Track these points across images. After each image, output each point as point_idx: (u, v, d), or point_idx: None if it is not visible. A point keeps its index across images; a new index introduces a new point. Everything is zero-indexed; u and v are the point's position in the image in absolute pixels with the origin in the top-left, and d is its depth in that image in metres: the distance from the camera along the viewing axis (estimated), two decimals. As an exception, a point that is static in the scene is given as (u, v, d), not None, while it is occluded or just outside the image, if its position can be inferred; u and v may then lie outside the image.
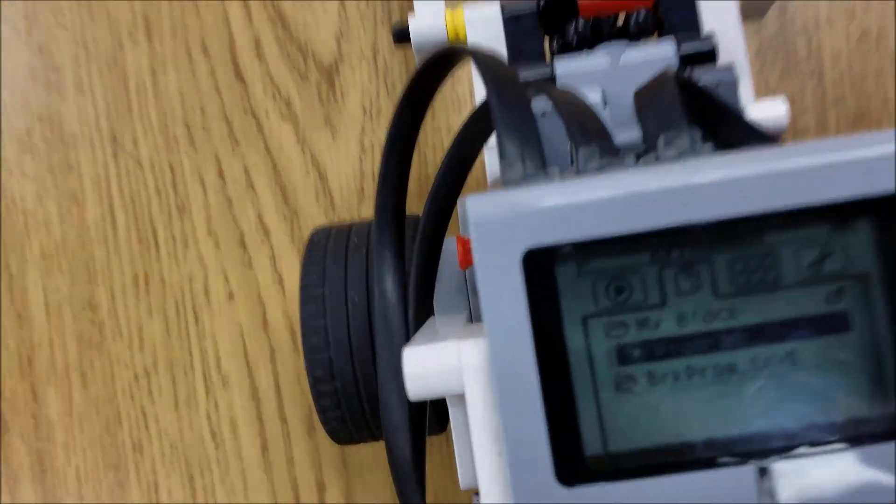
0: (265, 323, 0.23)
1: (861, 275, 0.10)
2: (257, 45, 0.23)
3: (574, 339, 0.10)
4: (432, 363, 0.10)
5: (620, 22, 0.17)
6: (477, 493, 0.20)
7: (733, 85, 0.15)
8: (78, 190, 0.24)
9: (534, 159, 0.10)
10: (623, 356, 0.10)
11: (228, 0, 0.23)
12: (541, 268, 0.10)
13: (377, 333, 0.13)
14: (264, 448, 0.23)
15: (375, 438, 0.18)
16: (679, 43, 0.15)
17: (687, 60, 0.15)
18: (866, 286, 0.10)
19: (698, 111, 0.12)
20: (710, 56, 0.15)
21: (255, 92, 0.24)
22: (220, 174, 0.24)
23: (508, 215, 0.09)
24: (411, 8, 0.18)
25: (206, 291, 0.23)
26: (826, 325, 0.10)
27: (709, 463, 0.10)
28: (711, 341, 0.10)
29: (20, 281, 0.23)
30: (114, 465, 0.23)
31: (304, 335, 0.16)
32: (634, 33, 0.16)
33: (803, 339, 0.10)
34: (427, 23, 0.17)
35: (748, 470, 0.10)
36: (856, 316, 0.10)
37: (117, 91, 0.24)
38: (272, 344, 0.23)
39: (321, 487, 0.23)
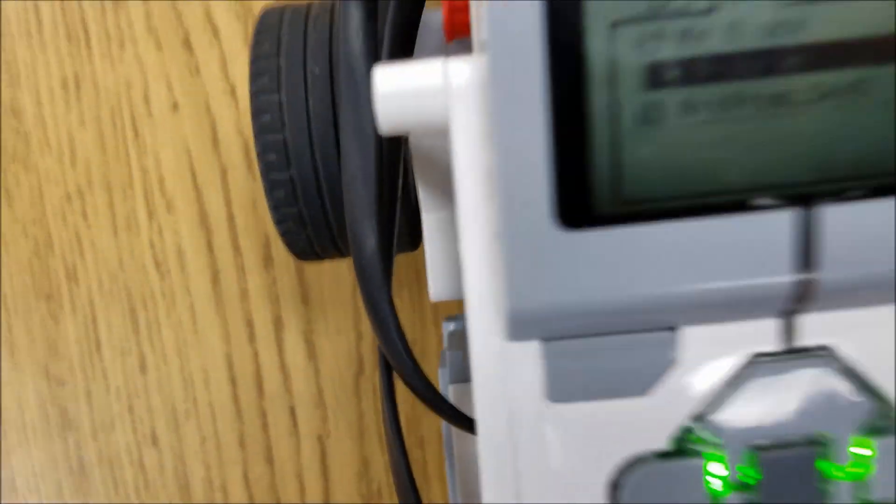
0: (215, 139, 0.21)
1: None
2: None
3: (597, 50, 0.08)
4: (411, 82, 0.08)
5: None
6: (447, 319, 0.18)
7: None
8: (-11, -29, 0.20)
9: None
10: (656, 77, 0.08)
11: None
12: None
13: (340, 86, 0.11)
14: (215, 280, 0.21)
15: (340, 252, 0.17)
16: None
17: None
18: None
19: None
20: None
21: None
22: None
23: None
24: None
25: (147, 100, 0.21)
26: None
27: (739, 206, 0.08)
28: (768, 61, 0.08)
29: (-74, 79, 0.21)
30: (45, 294, 0.21)
31: (254, 114, 0.14)
32: None
33: (881, 66, 0.08)
34: None
35: (785, 216, 0.08)
36: None
37: None
38: (223, 162, 0.21)
39: (278, 324, 0.21)
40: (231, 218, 0.21)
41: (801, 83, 0.08)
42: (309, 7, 0.16)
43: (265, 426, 0.22)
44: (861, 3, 0.08)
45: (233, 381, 0.22)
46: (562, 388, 0.09)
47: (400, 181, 0.13)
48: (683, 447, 0.09)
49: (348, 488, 0.22)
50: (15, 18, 0.21)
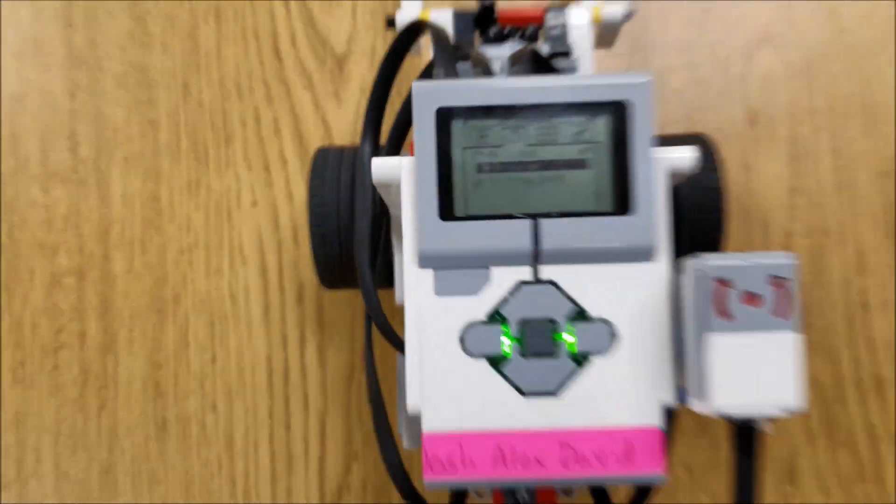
0: (276, 224, 0.34)
1: (598, 142, 0.21)
2: (293, 36, 0.35)
3: (457, 157, 0.21)
4: (388, 164, 0.21)
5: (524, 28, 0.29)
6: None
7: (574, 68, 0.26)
8: (155, 118, 0.34)
9: (449, 74, 0.21)
10: (479, 168, 0.21)
11: (276, 1, 0.35)
12: (443, 118, 0.20)
13: (357, 174, 0.24)
14: (266, 310, 0.33)
15: (347, 283, 0.29)
16: (550, 43, 0.27)
17: (552, 56, 0.27)
18: (601, 150, 0.21)
19: (535, 63, 0.23)
20: (567, 54, 0.27)
21: (288, 67, 0.35)
22: (257, 120, 0.34)
23: (431, 90, 0.20)
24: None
25: (238, 198, 0.34)
26: (578, 163, 0.21)
27: (511, 214, 0.20)
28: (522, 165, 0.21)
29: (106, 175, 0.34)
30: (158, 310, 0.33)
31: (309, 201, 0.27)
32: (528, 36, 0.28)
33: (567, 169, 0.21)
34: (407, 15, 0.28)
35: (526, 223, 0.20)
36: (592, 161, 0.21)
37: (190, 54, 0.35)
38: (280, 239, 0.34)
39: (303, 340, 0.33)
40: (280, 272, 0.34)
41: (535, 174, 0.21)
42: (342, 149, 0.29)
43: (287, 404, 0.32)
44: (556, 146, 0.21)
45: (269, 374, 0.33)
46: (440, 288, 0.20)
47: (382, 237, 0.26)
48: (492, 320, 0.21)
49: (337, 448, 0.32)
50: (164, 143, 0.35)
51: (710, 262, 0.18)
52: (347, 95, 0.34)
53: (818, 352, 0.32)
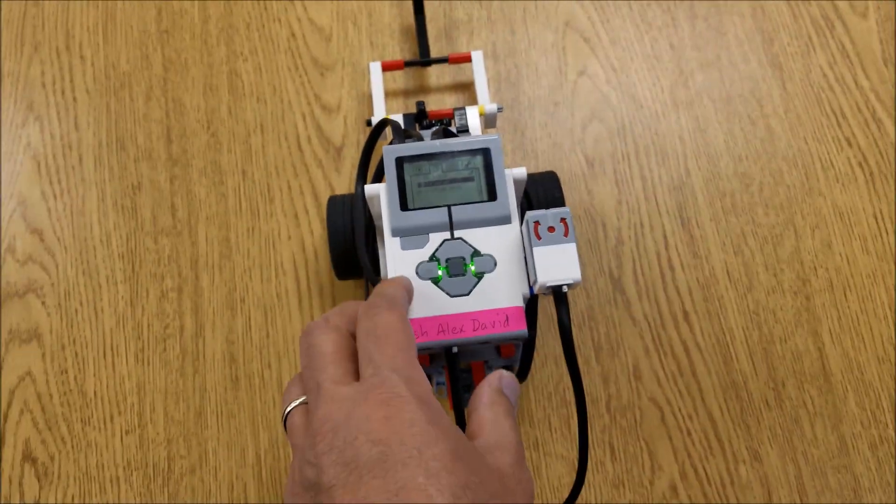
0: (304, 249, 0.52)
1: (477, 167, 0.40)
2: (308, 137, 0.55)
3: (407, 180, 0.39)
4: (372, 187, 0.40)
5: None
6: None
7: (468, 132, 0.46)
8: (224, 192, 0.53)
9: (399, 139, 0.41)
10: (419, 184, 0.39)
11: (297, 117, 0.55)
12: (399, 162, 0.39)
13: (354, 202, 0.43)
14: (300, 302, 0.51)
15: (353, 276, 0.47)
16: (458, 127, 0.47)
17: (460, 131, 0.47)
18: (478, 171, 0.40)
19: (446, 133, 0.43)
20: (466, 130, 0.47)
21: (307, 155, 0.54)
22: (289, 188, 0.53)
23: (393, 149, 0.40)
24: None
25: (279, 235, 0.52)
26: (468, 178, 0.39)
27: (437, 206, 0.39)
28: (441, 182, 0.39)
29: (195, 228, 0.52)
30: (230, 308, 0.51)
31: (328, 221, 0.46)
32: (445, 125, 0.48)
33: (463, 182, 0.39)
34: (377, 119, 0.49)
35: (444, 209, 0.39)
36: (476, 177, 0.39)
37: (246, 152, 0.55)
38: (306, 258, 0.52)
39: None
40: (308, 278, 0.51)
41: (449, 185, 0.40)
42: (344, 195, 0.48)
43: (317, 359, 0.49)
44: (456, 171, 0.40)
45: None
46: (403, 246, 0.38)
47: (371, 240, 0.45)
48: (432, 259, 0.39)
49: None
50: (232, 205, 0.54)
51: (531, 213, 0.37)
52: (344, 169, 0.53)
53: (645, 299, 0.50)
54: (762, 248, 0.50)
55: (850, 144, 0.52)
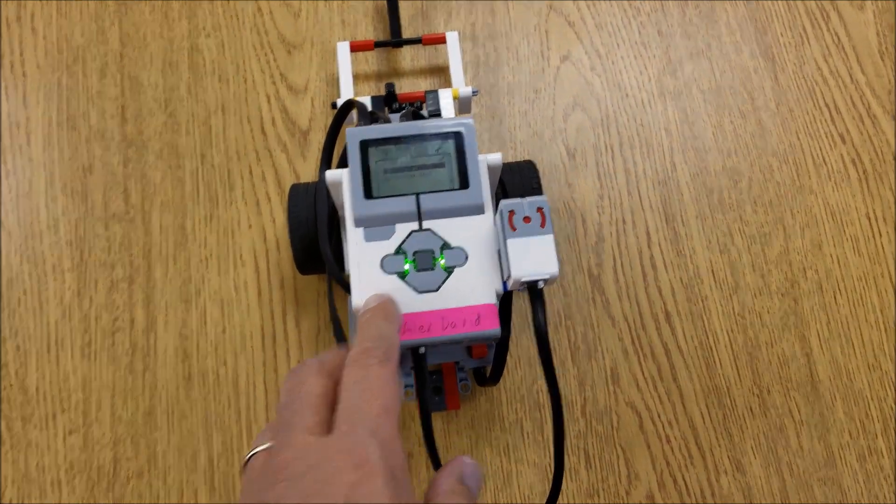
0: (265, 239, 0.48)
1: (448, 153, 0.36)
2: (273, 119, 0.51)
3: (372, 165, 0.36)
4: (334, 173, 0.36)
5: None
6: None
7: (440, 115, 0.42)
8: (182, 176, 0.49)
9: (365, 122, 0.37)
10: (385, 170, 0.36)
11: (261, 97, 0.51)
12: (363, 146, 0.36)
13: (318, 190, 0.39)
14: (259, 295, 0.47)
15: (315, 271, 0.43)
16: (429, 111, 0.43)
17: (431, 115, 0.43)
18: (450, 157, 0.36)
19: (415, 116, 0.39)
20: (438, 114, 0.43)
21: (271, 139, 0.50)
22: (251, 173, 0.49)
23: (357, 131, 0.36)
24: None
25: (239, 224, 0.48)
26: (439, 164, 0.36)
27: (404, 193, 0.35)
28: (409, 168, 0.36)
29: (149, 215, 0.48)
30: (185, 300, 0.47)
31: (289, 211, 0.42)
32: (416, 108, 0.44)
33: (433, 168, 0.36)
34: (343, 100, 0.45)
35: (412, 198, 0.35)
36: (447, 163, 0.36)
37: (206, 135, 0.50)
38: (267, 248, 0.48)
39: (285, 313, 0.46)
40: (268, 270, 0.47)
41: (418, 172, 0.36)
42: (307, 183, 0.44)
43: (275, 357, 0.45)
44: (427, 156, 0.37)
45: (262, 337, 0.46)
46: (367, 237, 0.34)
47: (335, 231, 0.41)
48: (398, 252, 0.35)
49: None
50: (189, 191, 0.50)
51: (505, 202, 0.33)
52: (310, 155, 0.50)
53: (626, 298, 0.47)
54: (749, 247, 0.47)
55: (843, 141, 0.49)
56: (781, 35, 0.51)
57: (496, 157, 0.36)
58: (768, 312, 0.46)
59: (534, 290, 0.32)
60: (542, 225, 0.33)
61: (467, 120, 0.35)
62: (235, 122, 0.50)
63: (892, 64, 0.51)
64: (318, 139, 0.49)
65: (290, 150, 0.49)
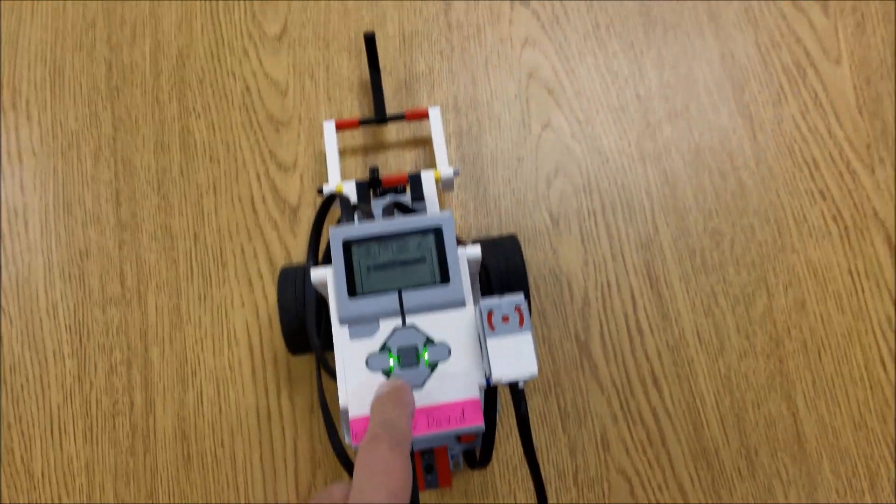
0: (258, 317, 0.49)
1: (429, 248, 0.37)
2: (263, 197, 0.52)
3: (356, 263, 0.37)
4: (319, 272, 0.37)
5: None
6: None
7: (426, 208, 0.43)
8: (176, 257, 0.50)
9: (349, 221, 0.38)
10: (368, 268, 0.37)
11: (251, 176, 0.52)
12: (346, 245, 0.37)
13: (306, 281, 0.40)
14: (253, 373, 0.48)
15: (306, 351, 0.44)
16: (412, 197, 0.44)
17: (414, 200, 0.44)
18: (430, 252, 0.37)
19: (402, 209, 0.40)
20: (422, 197, 0.44)
21: (261, 217, 0.52)
22: (243, 252, 0.51)
23: (339, 231, 0.37)
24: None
25: (232, 302, 0.49)
26: (420, 260, 0.37)
27: (387, 290, 0.36)
28: (391, 264, 0.37)
29: (144, 297, 0.49)
30: (181, 381, 0.48)
31: (278, 297, 0.43)
32: (400, 191, 0.45)
33: (414, 264, 0.37)
34: (331, 186, 0.46)
35: (395, 294, 0.36)
36: (428, 258, 0.37)
37: (198, 215, 0.52)
38: (260, 326, 0.49)
39: (279, 391, 0.47)
40: (262, 347, 0.49)
41: (399, 267, 0.37)
42: (297, 266, 0.45)
43: (270, 435, 0.47)
44: (408, 252, 0.37)
45: (258, 416, 0.47)
46: (352, 335, 0.35)
47: (323, 317, 0.42)
48: (382, 350, 0.36)
49: (306, 460, 0.46)
50: (183, 271, 0.51)
51: (484, 301, 0.34)
52: (300, 231, 0.51)
53: (613, 363, 0.47)
54: (734, 308, 0.47)
55: (823, 197, 0.49)
56: (759, 93, 0.52)
57: (475, 251, 0.37)
58: (754, 373, 0.47)
59: (514, 389, 0.32)
60: (521, 324, 0.34)
61: (446, 215, 0.36)
62: (227, 200, 0.51)
63: (870, 118, 0.51)
64: (307, 215, 0.50)
65: (280, 227, 0.50)
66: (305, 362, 0.48)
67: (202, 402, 0.47)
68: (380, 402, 0.30)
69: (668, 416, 0.46)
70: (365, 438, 0.27)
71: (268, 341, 0.48)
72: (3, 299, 0.49)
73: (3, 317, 0.49)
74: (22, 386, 0.47)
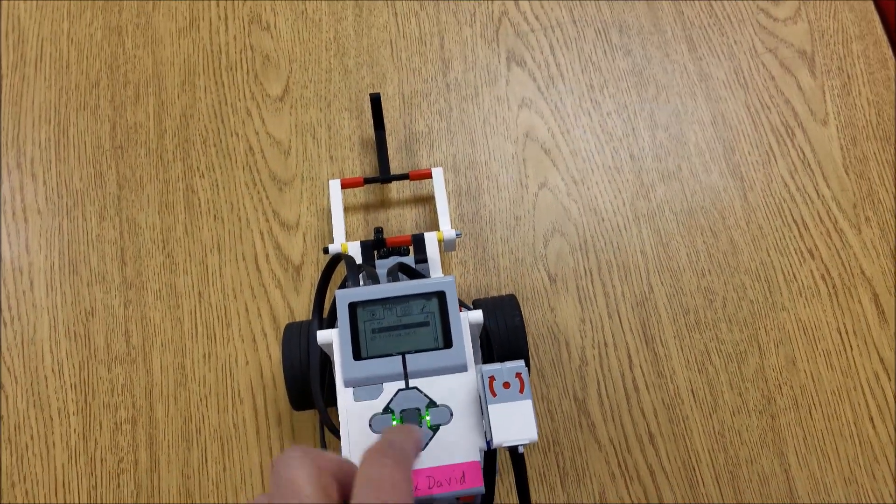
0: (262, 375, 0.53)
1: (432, 312, 0.41)
2: (267, 256, 0.56)
3: (360, 326, 0.40)
4: (324, 334, 0.41)
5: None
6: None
7: (428, 270, 0.47)
8: (181, 316, 0.54)
9: (354, 283, 0.43)
10: (373, 331, 0.40)
11: (255, 236, 0.56)
12: (352, 307, 0.41)
13: (310, 340, 0.44)
14: (257, 431, 0.51)
15: (309, 407, 0.47)
16: (415, 258, 0.48)
17: (418, 262, 0.48)
18: (434, 316, 0.41)
19: (402, 271, 0.44)
20: (425, 259, 0.48)
21: (265, 275, 0.55)
22: (247, 310, 0.54)
23: (345, 293, 0.41)
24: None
25: (236, 361, 0.53)
26: (423, 324, 0.40)
27: (391, 354, 0.40)
28: (395, 328, 0.41)
29: (150, 355, 0.53)
30: (186, 439, 0.51)
31: (283, 353, 0.46)
32: (403, 252, 0.49)
33: (418, 328, 0.41)
34: (335, 246, 0.50)
35: (398, 358, 0.40)
36: (431, 321, 0.41)
37: (202, 274, 0.55)
38: (264, 384, 0.53)
39: (283, 449, 0.51)
40: (266, 406, 0.52)
41: (403, 332, 0.41)
42: (301, 323, 0.49)
43: (275, 493, 0.50)
44: (411, 315, 0.41)
45: (262, 475, 0.50)
46: (356, 397, 0.39)
47: (328, 375, 0.46)
48: (385, 411, 0.39)
49: None
50: (188, 329, 0.54)
51: (485, 367, 0.38)
52: (303, 289, 0.55)
53: (610, 421, 0.51)
54: (726, 366, 0.51)
55: (812, 256, 0.54)
56: (749, 154, 0.57)
57: (477, 316, 0.40)
58: (747, 430, 0.50)
59: (514, 453, 0.36)
60: (521, 390, 0.37)
61: (448, 279, 0.40)
62: (231, 259, 0.55)
63: (856, 178, 0.56)
64: (310, 273, 0.54)
65: (283, 286, 0.54)
66: (308, 419, 0.51)
67: (206, 461, 0.50)
68: (389, 430, 0.33)
69: (664, 473, 0.50)
70: (368, 455, 0.27)
71: (271, 400, 0.52)
72: (8, 358, 0.52)
73: (8, 375, 0.52)
74: (27, 444, 0.51)
